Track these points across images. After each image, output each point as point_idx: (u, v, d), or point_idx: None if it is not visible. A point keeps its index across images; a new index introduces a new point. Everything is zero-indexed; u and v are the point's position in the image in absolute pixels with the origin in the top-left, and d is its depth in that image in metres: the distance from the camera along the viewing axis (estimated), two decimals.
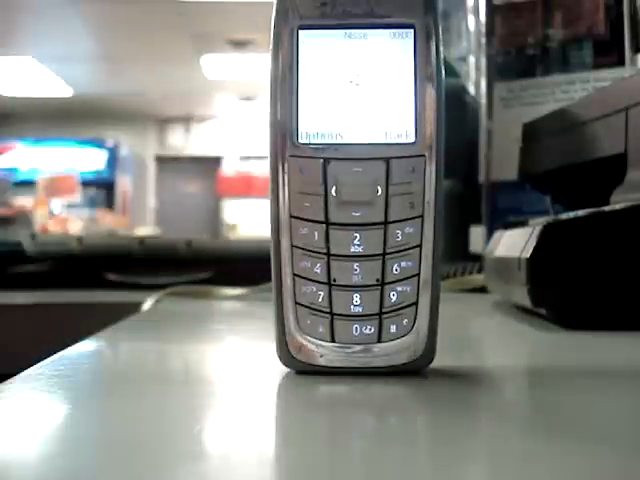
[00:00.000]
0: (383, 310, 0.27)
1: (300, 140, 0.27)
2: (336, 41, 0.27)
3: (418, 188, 0.26)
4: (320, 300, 0.27)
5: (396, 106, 0.27)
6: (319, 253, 0.27)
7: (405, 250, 0.27)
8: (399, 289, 0.27)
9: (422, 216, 0.26)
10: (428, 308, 0.27)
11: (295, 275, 0.27)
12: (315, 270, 0.27)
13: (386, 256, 0.26)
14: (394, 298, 0.27)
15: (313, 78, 0.27)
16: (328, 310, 0.27)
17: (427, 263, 0.27)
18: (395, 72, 0.27)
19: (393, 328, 0.27)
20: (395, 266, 0.27)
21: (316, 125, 0.27)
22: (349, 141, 0.27)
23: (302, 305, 0.27)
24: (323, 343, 0.27)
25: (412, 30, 0.27)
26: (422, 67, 0.26)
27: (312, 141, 0.27)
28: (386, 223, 0.26)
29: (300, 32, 0.27)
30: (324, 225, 0.27)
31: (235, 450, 0.19)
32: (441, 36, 0.27)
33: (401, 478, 0.16)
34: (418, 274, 0.27)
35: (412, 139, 0.27)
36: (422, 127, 0.26)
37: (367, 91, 0.27)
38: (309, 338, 0.27)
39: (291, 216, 0.27)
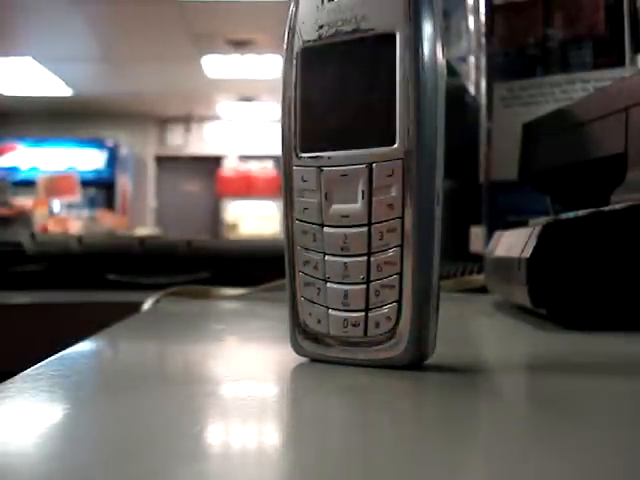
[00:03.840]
0: (369, 307, 0.28)
1: (302, 153, 0.30)
2: (332, 59, 0.29)
3: (397, 191, 0.28)
4: (318, 295, 0.30)
5: (380, 113, 0.28)
6: (316, 252, 0.30)
7: (387, 250, 0.28)
8: (382, 287, 0.28)
9: (402, 217, 0.28)
10: (411, 306, 0.28)
11: (300, 272, 0.30)
12: (314, 268, 0.30)
13: (370, 256, 0.28)
14: (378, 296, 0.28)
15: (313, 96, 0.30)
16: (324, 305, 0.29)
17: (409, 263, 0.28)
18: (381, 81, 0.28)
19: (377, 324, 0.28)
20: (379, 265, 0.28)
21: (314, 139, 0.30)
22: (339, 150, 0.29)
23: (305, 299, 0.30)
24: (322, 334, 0.30)
25: (394, 39, 0.28)
26: (402, 73, 0.27)
27: (311, 153, 0.30)
28: (369, 224, 0.28)
29: (302, 54, 0.30)
30: (319, 227, 0.29)
31: (235, 450, 0.19)
32: (427, 41, 0.27)
33: (401, 478, 0.16)
34: (400, 273, 0.28)
35: (392, 144, 0.28)
36: (402, 131, 0.27)
37: (358, 102, 0.29)
38: (311, 329, 0.30)
39: (296, 219, 0.30)
